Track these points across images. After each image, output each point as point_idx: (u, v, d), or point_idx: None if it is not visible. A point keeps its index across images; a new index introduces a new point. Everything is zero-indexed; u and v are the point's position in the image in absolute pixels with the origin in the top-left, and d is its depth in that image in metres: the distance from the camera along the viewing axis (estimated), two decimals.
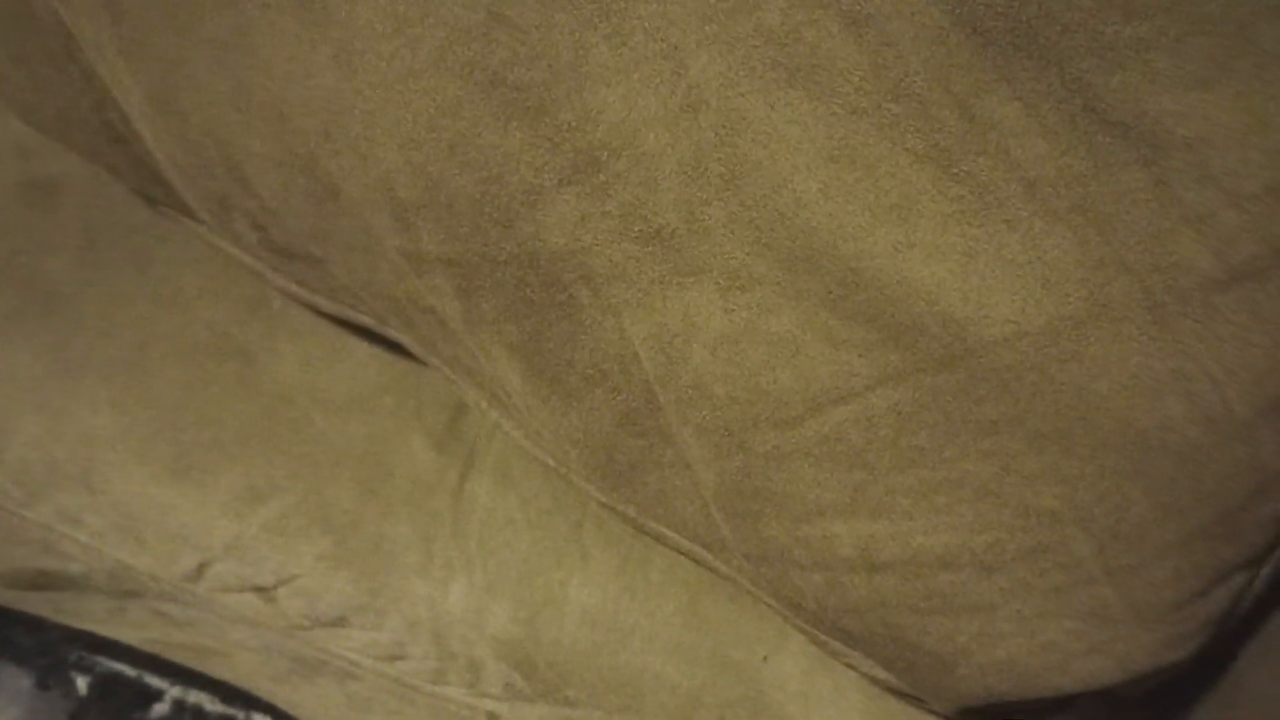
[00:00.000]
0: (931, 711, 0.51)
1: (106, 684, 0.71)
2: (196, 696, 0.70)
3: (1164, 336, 0.37)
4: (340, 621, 0.57)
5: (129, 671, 0.70)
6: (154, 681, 0.70)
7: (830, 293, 0.40)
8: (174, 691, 0.70)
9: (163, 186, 0.52)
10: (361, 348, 0.56)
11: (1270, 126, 0.35)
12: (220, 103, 0.45)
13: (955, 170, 0.37)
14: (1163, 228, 0.36)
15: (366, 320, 0.53)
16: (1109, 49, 0.36)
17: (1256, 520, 0.38)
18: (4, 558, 0.63)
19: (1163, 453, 0.37)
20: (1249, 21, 0.35)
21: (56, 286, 0.57)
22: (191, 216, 0.53)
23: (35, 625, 0.67)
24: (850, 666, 0.51)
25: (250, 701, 0.68)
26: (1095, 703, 0.43)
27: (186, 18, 0.44)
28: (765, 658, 0.54)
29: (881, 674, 0.49)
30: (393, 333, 0.52)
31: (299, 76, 0.43)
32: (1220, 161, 0.36)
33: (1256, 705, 0.44)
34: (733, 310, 0.42)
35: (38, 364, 0.56)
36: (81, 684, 0.71)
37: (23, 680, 0.72)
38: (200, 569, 0.57)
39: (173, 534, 0.56)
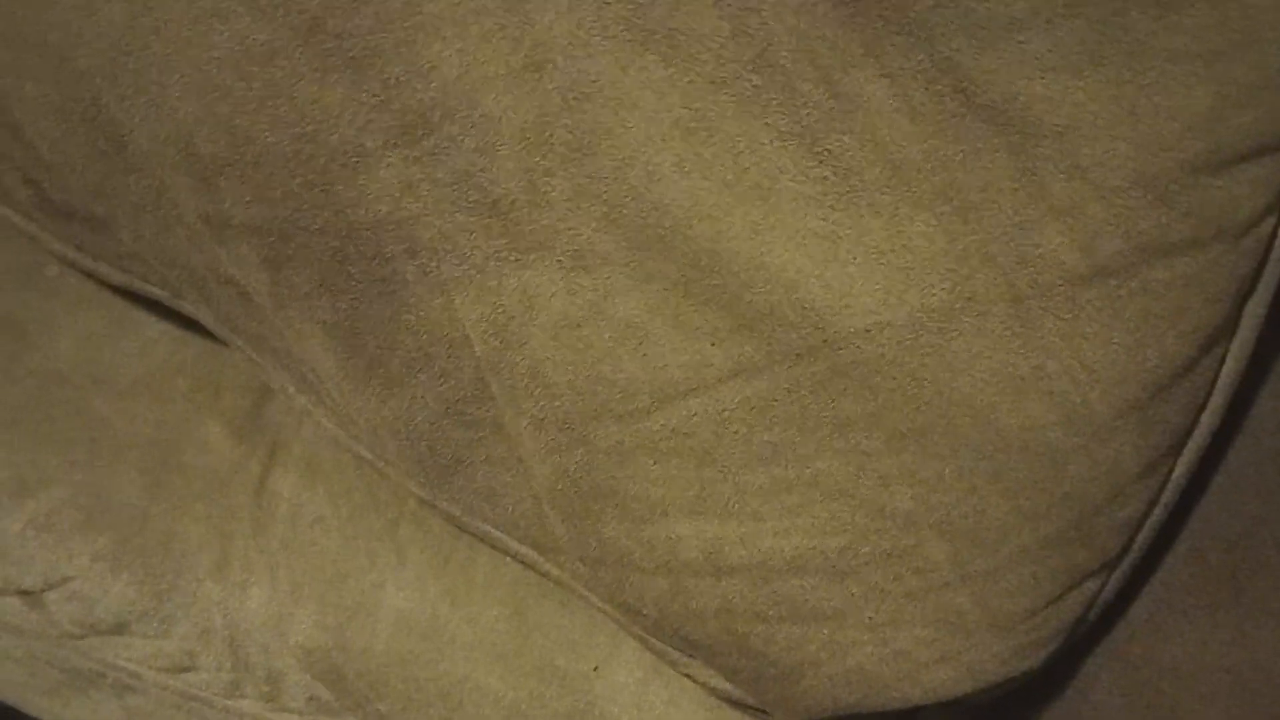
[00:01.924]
0: None
1: None
2: None
3: (1027, 333, 0.36)
4: (120, 629, 0.52)
5: None
6: None
7: (683, 276, 0.38)
8: None
9: None
10: (151, 324, 0.52)
11: (1139, 117, 0.35)
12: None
13: (818, 149, 0.36)
14: (1029, 219, 0.35)
15: (157, 292, 0.48)
16: (981, 27, 0.34)
17: (1111, 524, 0.38)
18: None
19: (1023, 454, 0.37)
20: (1122, 7, 0.34)
21: None
22: None
23: None
24: (689, 676, 0.49)
25: (18, 715, 0.62)
26: (942, 713, 0.43)
27: None
28: (596, 667, 0.51)
29: (723, 684, 0.47)
30: (188, 307, 0.48)
31: (82, 9, 0.38)
32: (1089, 152, 0.35)
33: (1101, 714, 0.44)
34: (576, 292, 0.39)
35: None
36: None
37: None
38: None
39: None
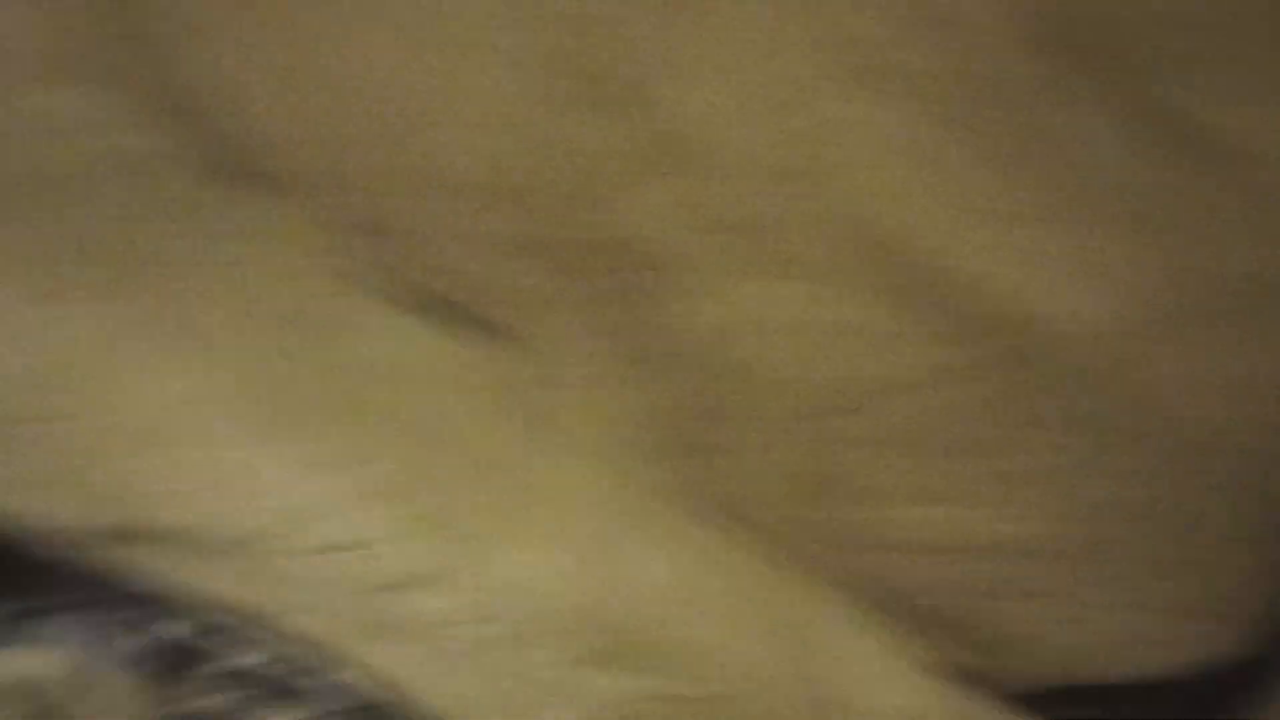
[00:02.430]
0: (991, 699, 0.52)
1: (173, 644, 0.74)
2: (263, 656, 0.73)
3: (1233, 343, 0.37)
4: (419, 586, 0.59)
5: (195, 631, 0.73)
6: (225, 640, 0.73)
7: (904, 288, 0.41)
8: (244, 649, 0.72)
9: (252, 165, 0.54)
10: (440, 328, 0.58)
11: None
12: (322, 90, 0.47)
13: (1035, 175, 0.38)
14: (1239, 238, 0.37)
15: (451, 299, 0.54)
16: (1184, 63, 0.36)
17: None
18: (93, 511, 0.65)
19: (1225, 454, 0.38)
20: None
21: (148, 253, 0.59)
22: (276, 193, 0.55)
23: (109, 579, 0.70)
24: (905, 648, 0.52)
25: (324, 661, 0.71)
26: (1160, 694, 0.44)
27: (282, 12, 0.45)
28: (828, 639, 0.55)
29: (936, 656, 0.50)
30: (477, 311, 0.54)
31: (397, 66, 0.45)
32: None
33: None
34: (806, 302, 0.43)
35: (140, 328, 0.58)
36: (152, 641, 0.74)
37: (103, 630, 0.75)
38: (284, 529, 0.59)
39: (258, 493, 0.58)
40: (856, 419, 0.44)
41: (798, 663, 0.56)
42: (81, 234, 0.59)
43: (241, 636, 0.71)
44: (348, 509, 0.58)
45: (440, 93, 0.45)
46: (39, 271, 0.59)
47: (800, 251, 0.42)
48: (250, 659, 0.72)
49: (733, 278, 0.43)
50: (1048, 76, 0.37)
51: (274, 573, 0.62)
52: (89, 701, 0.61)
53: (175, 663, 0.71)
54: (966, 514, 0.44)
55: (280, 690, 0.71)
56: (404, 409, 0.58)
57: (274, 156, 0.52)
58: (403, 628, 0.62)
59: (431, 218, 0.49)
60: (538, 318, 0.50)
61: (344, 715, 0.72)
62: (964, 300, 0.40)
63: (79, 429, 0.58)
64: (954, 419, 0.42)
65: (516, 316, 0.51)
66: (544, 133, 0.43)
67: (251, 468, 0.58)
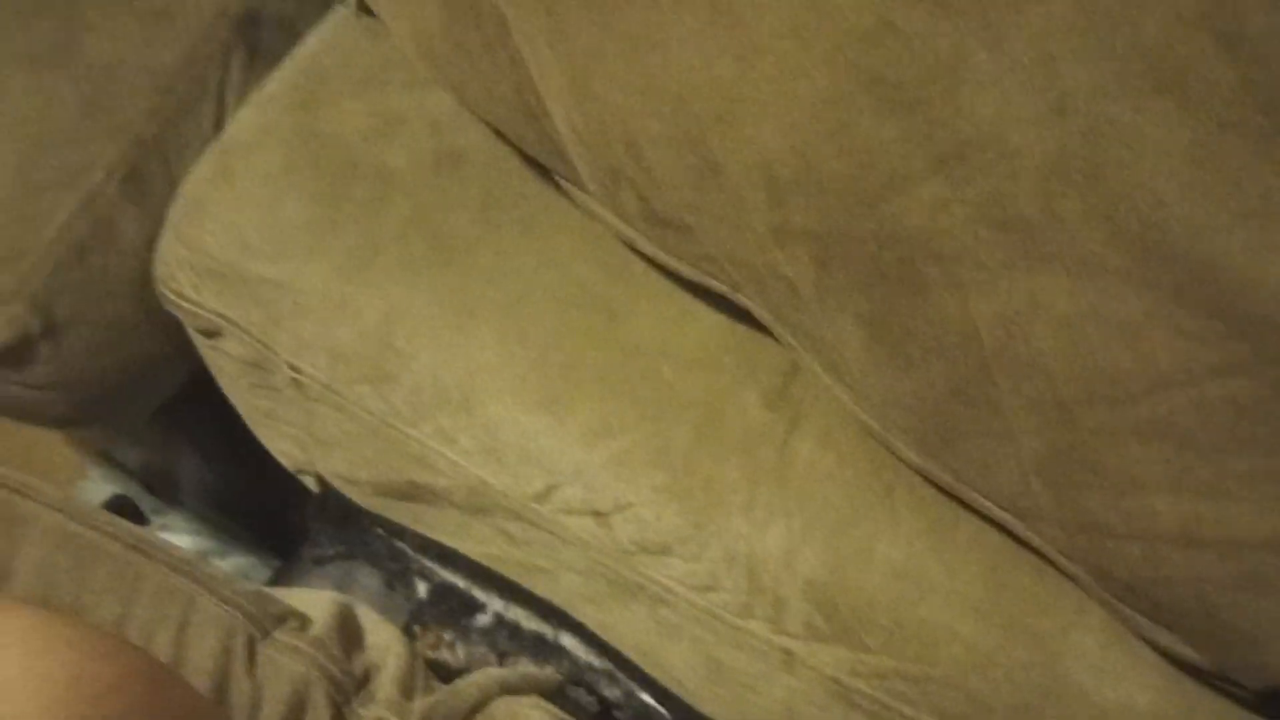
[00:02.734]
0: (1229, 696, 0.52)
1: (441, 592, 0.80)
2: (515, 612, 0.78)
3: None
4: (664, 550, 0.63)
5: (461, 583, 0.79)
6: (480, 594, 0.78)
7: (1179, 285, 0.42)
8: (496, 605, 0.78)
9: (560, 159, 0.59)
10: (709, 313, 0.62)
11: None
12: (628, 88, 0.51)
13: None
14: None
15: (720, 287, 0.58)
16: None
17: None
18: (383, 468, 0.72)
19: None
20: None
21: (457, 240, 0.65)
22: (579, 186, 0.60)
23: (395, 532, 0.76)
24: (1151, 643, 0.52)
25: (563, 620, 0.75)
26: None
27: (609, 14, 0.50)
28: (1063, 629, 0.56)
29: (1185, 651, 0.50)
30: (743, 299, 0.57)
31: (701, 67, 0.49)
32: None
33: None
34: (1079, 295, 0.44)
35: (437, 303, 0.64)
36: (422, 589, 0.80)
37: (374, 580, 0.82)
38: (548, 491, 0.64)
39: (530, 457, 0.64)
40: (1122, 410, 0.45)
41: (1034, 651, 0.57)
42: (401, 218, 0.66)
43: (497, 594, 0.76)
44: (612, 476, 0.63)
45: (734, 95, 0.48)
46: (362, 249, 0.66)
47: (1074, 248, 0.44)
48: (495, 616, 0.78)
49: (1006, 271, 0.45)
50: None
51: (538, 533, 0.68)
52: (363, 638, 0.68)
53: (441, 613, 0.78)
54: (1227, 508, 0.45)
55: (521, 646, 0.77)
56: (670, 387, 0.62)
57: (577, 153, 0.57)
58: (644, 590, 0.66)
59: (713, 209, 0.53)
60: (804, 306, 0.54)
61: (571, 677, 0.76)
62: (1238, 299, 0.41)
63: (396, 391, 0.65)
64: (1223, 415, 0.43)
65: (784, 303, 0.55)
66: (833, 132, 0.47)
67: (531, 434, 0.64)
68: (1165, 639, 0.51)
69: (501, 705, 0.63)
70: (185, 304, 0.75)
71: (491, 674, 0.66)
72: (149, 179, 0.80)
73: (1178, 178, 0.41)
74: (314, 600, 0.69)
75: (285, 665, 0.61)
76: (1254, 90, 0.39)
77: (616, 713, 0.74)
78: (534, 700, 0.64)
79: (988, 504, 0.54)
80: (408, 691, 0.63)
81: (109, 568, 0.63)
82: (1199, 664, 0.50)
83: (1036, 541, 0.53)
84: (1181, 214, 0.41)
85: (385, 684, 0.63)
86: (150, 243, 0.79)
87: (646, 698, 0.74)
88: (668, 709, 0.73)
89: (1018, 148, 0.43)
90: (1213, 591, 0.46)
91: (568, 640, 0.76)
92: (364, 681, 0.63)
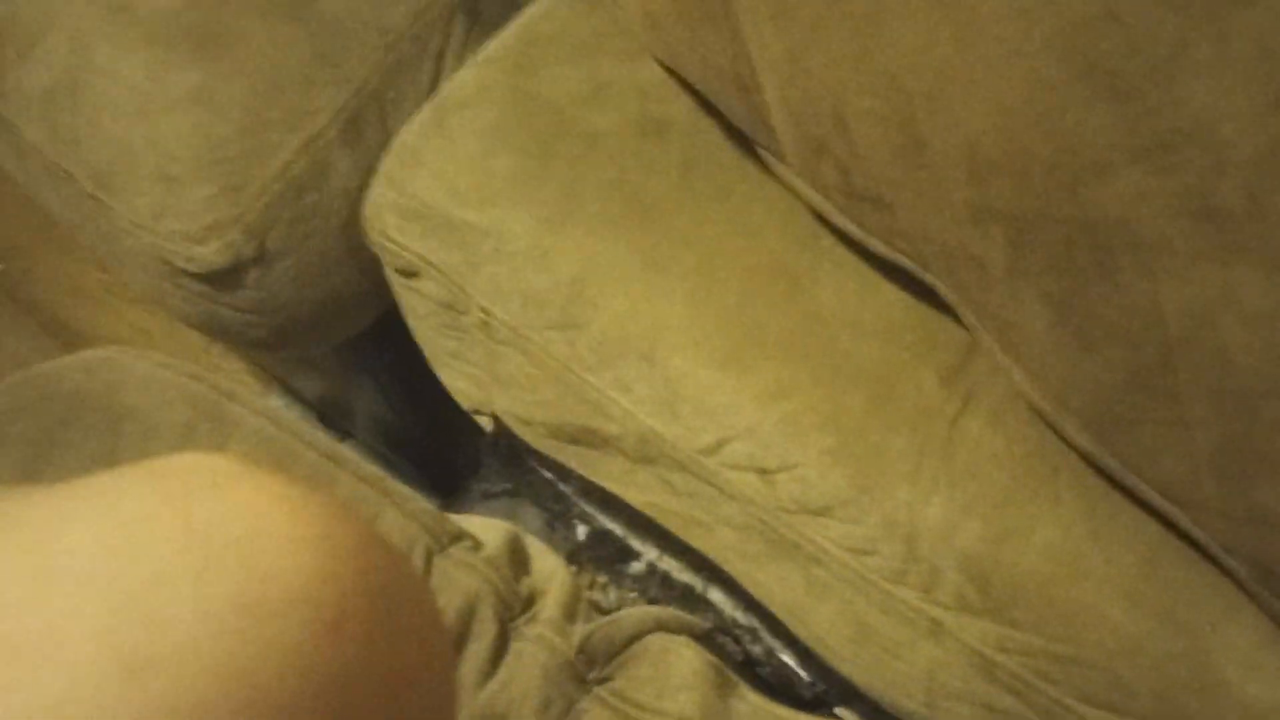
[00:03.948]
0: None
1: (599, 537, 0.84)
2: (668, 563, 0.81)
3: None
4: (825, 511, 0.65)
5: (619, 529, 0.82)
6: (636, 542, 0.82)
7: None
8: (650, 554, 0.82)
9: (764, 130, 0.62)
10: (892, 289, 0.64)
11: None
12: (844, 63, 0.54)
13: None
14: None
15: (909, 264, 0.60)
16: None
17: None
18: (559, 411, 0.76)
19: None
20: None
21: (655, 202, 0.69)
22: (780, 158, 0.63)
23: (561, 474, 0.81)
24: None
25: (714, 574, 0.78)
26: None
27: None
28: (1214, 624, 0.57)
29: None
30: (930, 277, 0.60)
31: (918, 47, 0.51)
32: None
33: None
34: (1272, 290, 0.46)
35: (631, 258, 0.68)
36: (581, 532, 0.84)
37: (537, 519, 0.86)
38: (718, 445, 0.68)
39: (704, 411, 0.67)
40: None
41: (1183, 642, 0.58)
42: (604, 178, 0.70)
43: (653, 543, 0.80)
44: (782, 435, 0.66)
45: (948, 74, 0.51)
46: (564, 203, 0.70)
47: (1273, 243, 0.45)
48: (649, 565, 0.81)
49: (1201, 262, 0.47)
50: None
51: (701, 486, 0.71)
52: (530, 564, 0.72)
53: (597, 556, 0.82)
54: None
55: (670, 596, 0.80)
56: (847, 356, 0.65)
57: (782, 124, 0.60)
58: (800, 549, 0.69)
59: (913, 185, 0.55)
60: (991, 285, 0.56)
61: (721, 628, 0.79)
62: None
63: (583, 338, 0.69)
64: None
65: (971, 282, 0.57)
66: (1042, 116, 0.49)
67: (708, 389, 0.67)
68: None
69: (656, 640, 0.67)
70: (389, 244, 0.80)
71: (648, 610, 0.70)
72: (366, 127, 0.86)
73: None
74: (486, 526, 0.74)
75: (458, 578, 0.66)
76: None
77: (758, 668, 0.77)
78: (686, 640, 0.68)
79: (1153, 493, 0.55)
80: (570, 616, 0.67)
81: (305, 471, 0.69)
82: None
83: (1198, 534, 0.55)
84: None
85: (549, 606, 0.67)
86: (361, 187, 0.85)
87: (786, 658, 0.76)
88: (807, 671, 0.76)
89: (1228, 140, 0.45)
90: None
91: (716, 594, 0.79)
92: (529, 603, 0.68)
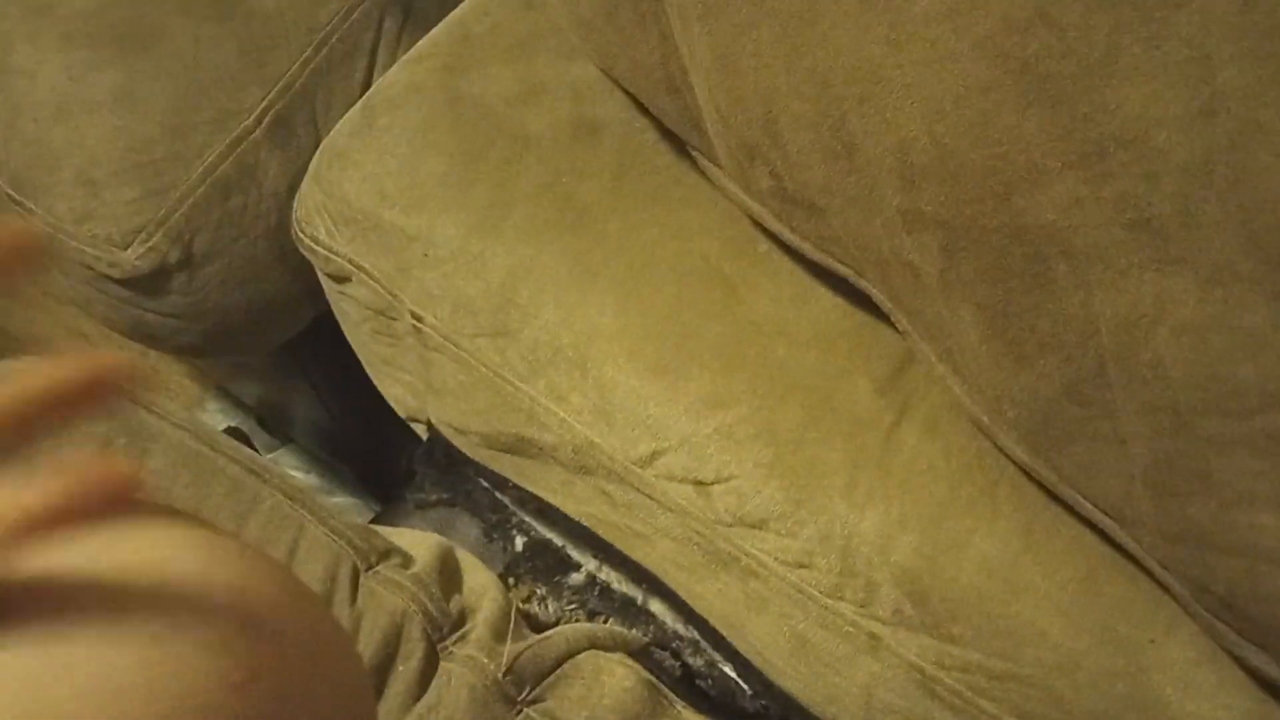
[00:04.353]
0: None
1: (537, 548, 0.82)
2: (607, 574, 0.79)
3: None
4: (761, 524, 0.63)
5: (557, 540, 0.80)
6: (575, 553, 0.80)
7: None
8: (590, 565, 0.80)
9: (697, 134, 0.60)
10: (828, 295, 0.63)
11: None
12: (774, 65, 0.52)
13: None
14: None
15: (844, 270, 0.59)
16: None
17: None
18: (493, 421, 0.74)
19: None
20: None
21: (587, 206, 0.67)
22: (713, 162, 0.61)
23: (498, 484, 0.78)
24: (1241, 661, 0.52)
25: (654, 586, 0.77)
26: None
27: None
28: (1153, 640, 0.55)
29: (1274, 671, 0.50)
30: (865, 284, 0.58)
31: (848, 49, 0.49)
32: None
33: None
34: (1207, 301, 0.44)
35: (563, 264, 0.66)
36: (518, 543, 0.82)
37: (473, 529, 0.84)
38: (653, 456, 0.66)
39: (640, 422, 0.65)
40: (1238, 422, 0.45)
41: (1118, 658, 0.57)
42: (537, 181, 0.68)
43: (592, 554, 0.78)
44: (717, 447, 0.64)
45: (879, 77, 0.49)
46: (495, 207, 0.68)
47: (1207, 253, 0.43)
48: (588, 576, 0.79)
49: (1135, 272, 0.45)
50: None
51: (637, 497, 0.69)
52: (462, 581, 0.70)
53: (535, 568, 0.79)
54: None
55: (610, 608, 0.78)
56: (783, 365, 0.63)
57: (715, 128, 0.58)
58: (737, 562, 0.67)
59: (845, 190, 0.54)
60: (925, 293, 0.54)
61: (656, 642, 0.77)
62: None
63: (515, 346, 0.67)
64: None
65: (905, 290, 0.55)
66: (975, 121, 0.47)
67: (643, 399, 0.65)
68: (1256, 658, 0.50)
69: (588, 658, 0.65)
70: (319, 248, 0.78)
71: (581, 627, 0.68)
72: (295, 127, 0.83)
73: None
74: (417, 540, 0.72)
75: (386, 598, 0.64)
76: None
77: (697, 681, 0.75)
78: (620, 657, 0.66)
79: (1090, 507, 0.54)
80: (499, 635, 0.65)
81: (226, 487, 0.66)
82: None
83: (1135, 549, 0.53)
84: None
85: (479, 626, 0.65)
86: (291, 188, 0.82)
87: (728, 670, 0.75)
88: (748, 684, 0.74)
89: (1161, 147, 0.43)
90: None
91: (656, 606, 0.77)
92: (459, 622, 0.65)
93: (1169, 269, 0.45)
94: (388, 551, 0.67)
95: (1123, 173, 0.44)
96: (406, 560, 0.68)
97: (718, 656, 0.76)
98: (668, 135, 0.66)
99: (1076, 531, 0.57)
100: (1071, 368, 0.49)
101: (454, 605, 0.65)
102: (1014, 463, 0.57)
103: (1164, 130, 0.43)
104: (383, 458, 1.02)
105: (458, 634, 0.64)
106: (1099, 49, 0.43)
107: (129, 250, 0.81)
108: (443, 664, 0.62)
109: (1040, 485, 0.57)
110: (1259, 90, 0.41)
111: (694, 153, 0.64)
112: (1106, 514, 0.53)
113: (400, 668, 0.61)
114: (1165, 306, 0.45)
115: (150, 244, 0.81)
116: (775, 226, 0.60)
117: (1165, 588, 0.54)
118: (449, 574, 0.69)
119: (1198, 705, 0.55)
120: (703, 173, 0.65)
